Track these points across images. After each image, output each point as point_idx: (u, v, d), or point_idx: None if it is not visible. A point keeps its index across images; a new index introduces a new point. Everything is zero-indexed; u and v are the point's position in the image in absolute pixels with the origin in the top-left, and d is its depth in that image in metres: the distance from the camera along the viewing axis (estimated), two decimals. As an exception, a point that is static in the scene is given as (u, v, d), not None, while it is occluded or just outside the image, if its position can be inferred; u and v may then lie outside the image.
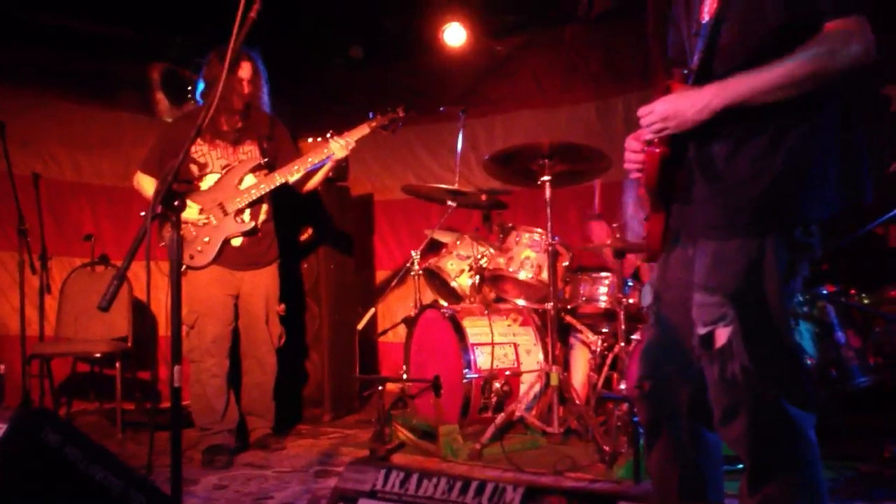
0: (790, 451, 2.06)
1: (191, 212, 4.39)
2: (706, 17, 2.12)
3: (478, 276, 5.01)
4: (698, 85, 2.09)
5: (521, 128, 6.63)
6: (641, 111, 2.15)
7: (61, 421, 2.07)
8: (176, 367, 2.25)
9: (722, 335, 2.10)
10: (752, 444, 2.06)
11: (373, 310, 5.47)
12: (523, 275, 4.73)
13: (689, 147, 2.17)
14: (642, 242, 4.61)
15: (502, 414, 4.35)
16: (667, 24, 2.31)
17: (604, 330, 4.75)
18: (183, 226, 4.33)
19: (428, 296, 5.46)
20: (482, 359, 4.54)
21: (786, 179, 2.05)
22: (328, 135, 4.59)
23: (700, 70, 2.11)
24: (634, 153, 2.27)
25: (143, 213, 4.58)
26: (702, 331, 2.13)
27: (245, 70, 4.49)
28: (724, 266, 2.11)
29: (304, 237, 5.73)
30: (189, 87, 6.14)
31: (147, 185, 4.54)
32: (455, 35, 6.40)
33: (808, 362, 3.97)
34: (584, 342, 4.81)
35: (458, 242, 5.22)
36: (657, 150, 2.13)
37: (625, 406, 3.97)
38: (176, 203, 2.29)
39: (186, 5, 5.91)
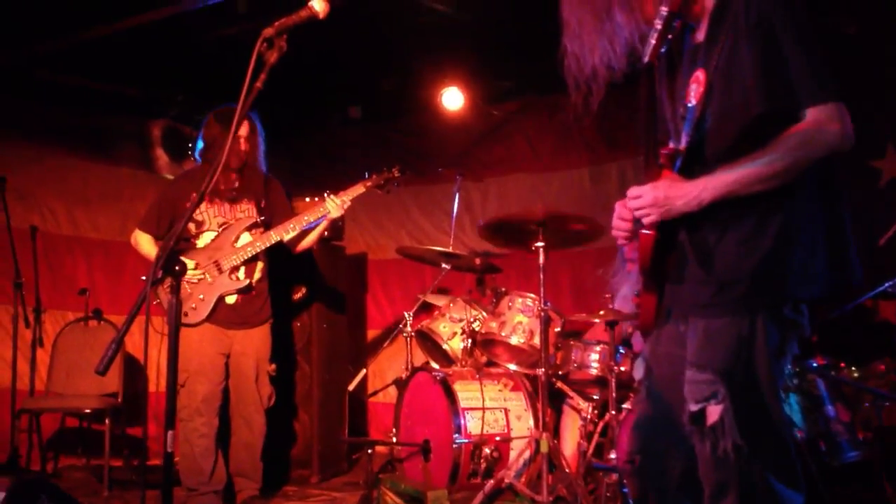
0: (778, 530, 2.07)
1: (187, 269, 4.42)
2: (692, 101, 2.19)
3: (470, 340, 5.01)
4: (687, 167, 2.15)
5: (515, 191, 6.71)
6: (631, 192, 2.19)
7: (57, 489, 2.07)
8: (169, 433, 2.25)
9: (714, 412, 2.12)
10: (742, 523, 2.08)
11: (364, 371, 5.47)
12: (515, 340, 4.75)
13: (681, 232, 2.22)
14: (633, 312, 4.65)
15: (491, 480, 4.32)
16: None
17: (595, 397, 4.75)
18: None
19: (419, 357, 5.46)
20: (472, 423, 4.54)
21: (773, 260, 2.09)
22: (325, 194, 4.64)
23: (689, 153, 2.17)
24: (623, 220, 2.31)
25: (143, 278, 4.59)
26: (693, 408, 2.16)
27: (243, 128, 4.55)
28: (715, 343, 2.15)
29: (297, 296, 5.75)
30: (189, 144, 6.21)
31: (144, 242, 4.58)
32: (453, 99, 6.49)
33: (798, 435, 3.98)
34: (574, 408, 4.81)
35: (451, 305, 5.24)
36: (651, 234, 2.17)
37: (615, 476, 3.96)
38: (177, 268, 2.32)
39: (188, 65, 6.02)
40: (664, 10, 2.08)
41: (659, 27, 2.11)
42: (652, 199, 2.13)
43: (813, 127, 2.03)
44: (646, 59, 2.16)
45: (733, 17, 2.12)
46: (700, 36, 2.26)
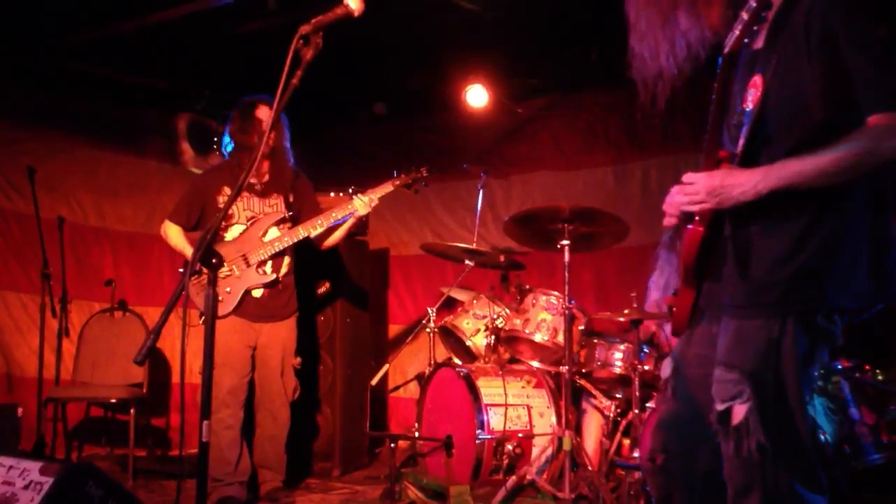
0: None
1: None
2: (749, 106, 2.18)
3: (493, 336, 5.03)
4: (744, 167, 2.14)
5: (539, 189, 6.71)
6: (687, 178, 2.17)
7: (104, 475, 2.11)
8: (205, 423, 2.28)
9: (739, 412, 2.13)
10: (764, 524, 2.09)
11: (387, 366, 5.50)
12: (539, 337, 4.77)
13: (726, 227, 2.22)
14: (659, 312, 4.66)
15: (513, 477, 4.35)
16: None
17: (618, 395, 4.76)
18: (205, 276, 4.40)
19: (440, 352, 5.48)
20: (495, 420, 4.56)
21: (811, 268, 2.09)
22: (350, 190, 4.67)
23: (744, 155, 2.16)
24: (672, 206, 2.30)
25: (181, 270, 4.64)
26: (720, 407, 2.17)
27: (268, 119, 4.57)
28: (745, 344, 2.16)
29: (321, 290, 5.77)
30: (215, 139, 6.25)
31: (174, 234, 4.63)
32: (477, 96, 6.49)
33: (822, 437, 3.97)
34: (596, 407, 4.82)
35: (474, 301, 5.26)
36: (699, 230, 2.18)
37: (637, 474, 3.98)
38: (214, 261, 2.35)
39: (216, 59, 6.06)
40: (753, 2, 2.06)
41: (745, 18, 2.06)
42: (707, 186, 2.11)
43: (880, 131, 2.00)
44: (727, 50, 2.13)
45: (792, 28, 2.12)
46: (758, 44, 2.24)
